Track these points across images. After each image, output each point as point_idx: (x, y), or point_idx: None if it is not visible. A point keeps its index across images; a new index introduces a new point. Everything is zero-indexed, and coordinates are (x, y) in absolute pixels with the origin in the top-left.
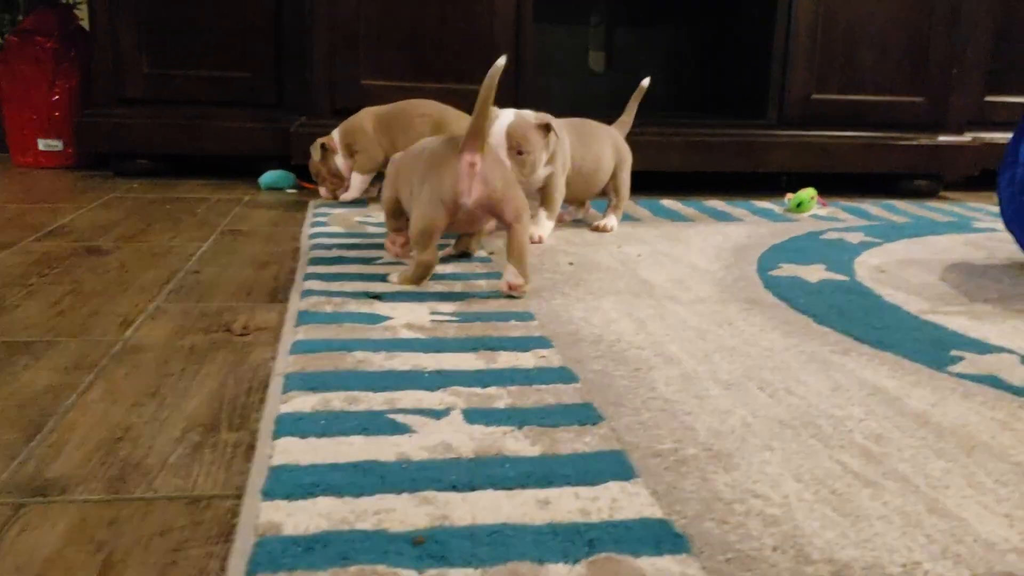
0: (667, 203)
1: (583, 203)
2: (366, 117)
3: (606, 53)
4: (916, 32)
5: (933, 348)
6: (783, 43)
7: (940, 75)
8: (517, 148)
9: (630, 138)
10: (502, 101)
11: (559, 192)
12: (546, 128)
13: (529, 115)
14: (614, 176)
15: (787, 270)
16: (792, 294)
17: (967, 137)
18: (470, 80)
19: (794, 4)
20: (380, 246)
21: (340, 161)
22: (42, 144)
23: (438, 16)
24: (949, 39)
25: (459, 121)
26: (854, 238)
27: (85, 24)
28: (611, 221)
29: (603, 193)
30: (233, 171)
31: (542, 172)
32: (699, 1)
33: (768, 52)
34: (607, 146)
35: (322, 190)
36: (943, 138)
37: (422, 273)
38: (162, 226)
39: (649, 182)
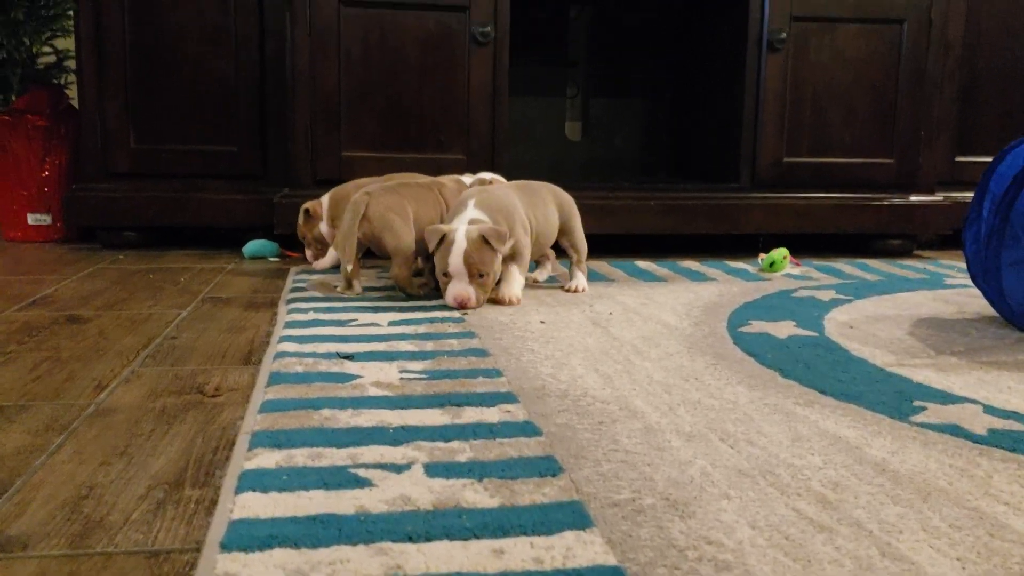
0: (642, 264)
1: (540, 260)
2: (352, 189)
3: (582, 123)
4: (883, 95)
5: (896, 399)
6: (753, 109)
7: (909, 136)
8: (477, 273)
9: (604, 200)
10: (480, 170)
11: (526, 249)
12: (490, 246)
13: (474, 230)
14: (566, 232)
15: (756, 326)
16: (760, 349)
17: (938, 197)
18: (450, 150)
19: (762, 71)
20: (356, 309)
21: (324, 228)
22: (31, 218)
23: (416, 89)
24: (915, 101)
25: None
26: (825, 296)
27: (75, 103)
28: (581, 282)
29: (562, 252)
30: (218, 241)
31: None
32: (671, 71)
33: (739, 118)
34: (551, 203)
35: (308, 253)
36: (915, 198)
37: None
38: (144, 295)
39: (626, 245)
